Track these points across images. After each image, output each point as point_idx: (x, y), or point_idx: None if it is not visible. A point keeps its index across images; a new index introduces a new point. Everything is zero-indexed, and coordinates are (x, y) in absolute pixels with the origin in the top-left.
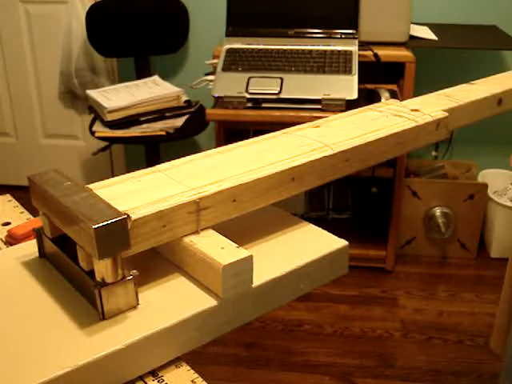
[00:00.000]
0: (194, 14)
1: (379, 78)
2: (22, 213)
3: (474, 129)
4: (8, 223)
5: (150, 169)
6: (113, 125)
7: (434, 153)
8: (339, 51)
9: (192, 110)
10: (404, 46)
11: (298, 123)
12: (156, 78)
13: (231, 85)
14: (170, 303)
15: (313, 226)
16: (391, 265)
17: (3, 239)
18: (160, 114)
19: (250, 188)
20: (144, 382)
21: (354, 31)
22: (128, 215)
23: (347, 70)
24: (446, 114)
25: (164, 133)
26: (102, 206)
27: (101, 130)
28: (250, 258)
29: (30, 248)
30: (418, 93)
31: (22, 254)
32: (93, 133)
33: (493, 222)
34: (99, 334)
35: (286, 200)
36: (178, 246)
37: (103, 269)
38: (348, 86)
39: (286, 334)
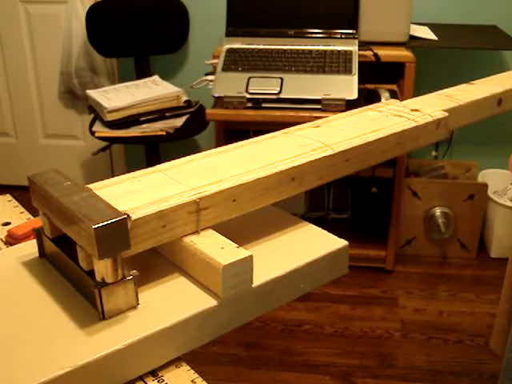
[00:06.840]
0: (193, 14)
1: (379, 78)
2: (22, 213)
3: (473, 129)
4: (8, 223)
5: (150, 169)
6: (113, 125)
7: (433, 153)
8: (339, 51)
9: (192, 109)
10: (404, 46)
11: (298, 123)
12: (156, 77)
13: (231, 85)
14: (170, 303)
15: (313, 226)
16: (391, 265)
17: (3, 239)
18: (160, 114)
19: (249, 188)
20: (144, 382)
21: (354, 31)
22: (128, 215)
23: (347, 70)
24: (446, 113)
25: (164, 133)
26: (102, 206)
27: (101, 129)
28: (250, 258)
29: (30, 248)
30: (418, 93)
31: (22, 254)
32: (93, 133)
33: (493, 221)
34: (99, 333)
35: (285, 200)
36: (178, 246)
37: (103, 269)
38: (348, 86)
39: (286, 334)
